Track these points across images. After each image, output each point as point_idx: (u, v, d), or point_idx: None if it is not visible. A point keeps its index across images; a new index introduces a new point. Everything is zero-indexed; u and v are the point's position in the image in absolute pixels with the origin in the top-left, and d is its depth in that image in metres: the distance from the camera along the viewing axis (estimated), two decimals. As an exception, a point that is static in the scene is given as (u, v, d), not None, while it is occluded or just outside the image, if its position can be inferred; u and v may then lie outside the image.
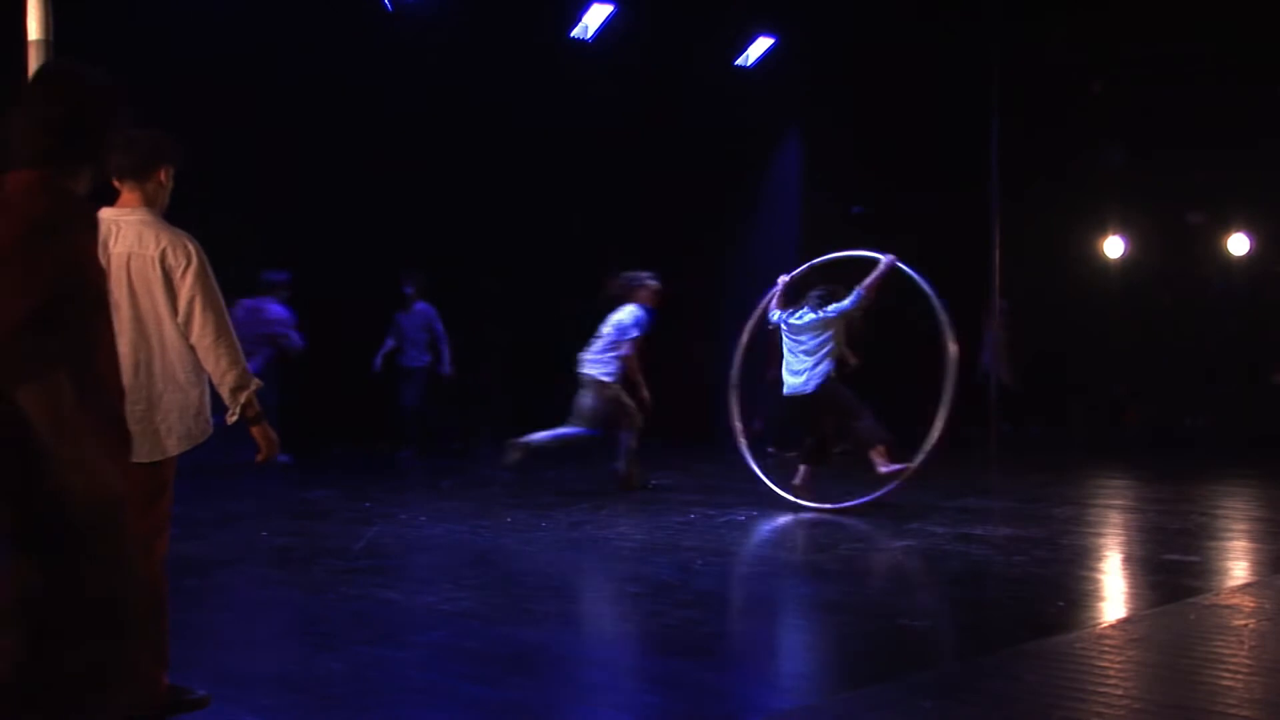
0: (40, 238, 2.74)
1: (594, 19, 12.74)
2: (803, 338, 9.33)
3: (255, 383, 4.10)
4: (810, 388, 9.24)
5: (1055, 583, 6.73)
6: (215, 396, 4.15)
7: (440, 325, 12.20)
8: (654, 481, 10.58)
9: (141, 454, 3.88)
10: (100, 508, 2.75)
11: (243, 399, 4.08)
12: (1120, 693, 4.58)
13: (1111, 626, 5.71)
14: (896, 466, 9.01)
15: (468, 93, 12.41)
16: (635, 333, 10.16)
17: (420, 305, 12.20)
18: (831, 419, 9.36)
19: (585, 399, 10.13)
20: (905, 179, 14.76)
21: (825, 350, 9.27)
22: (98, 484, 2.75)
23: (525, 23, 12.33)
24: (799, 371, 9.29)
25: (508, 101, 12.66)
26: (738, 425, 9.83)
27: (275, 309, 11.45)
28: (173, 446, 4.08)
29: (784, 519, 8.83)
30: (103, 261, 3.69)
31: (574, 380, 10.22)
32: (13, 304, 2.65)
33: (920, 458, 8.95)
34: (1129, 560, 7.86)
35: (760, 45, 13.98)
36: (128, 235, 4.13)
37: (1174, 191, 15.12)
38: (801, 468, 9.39)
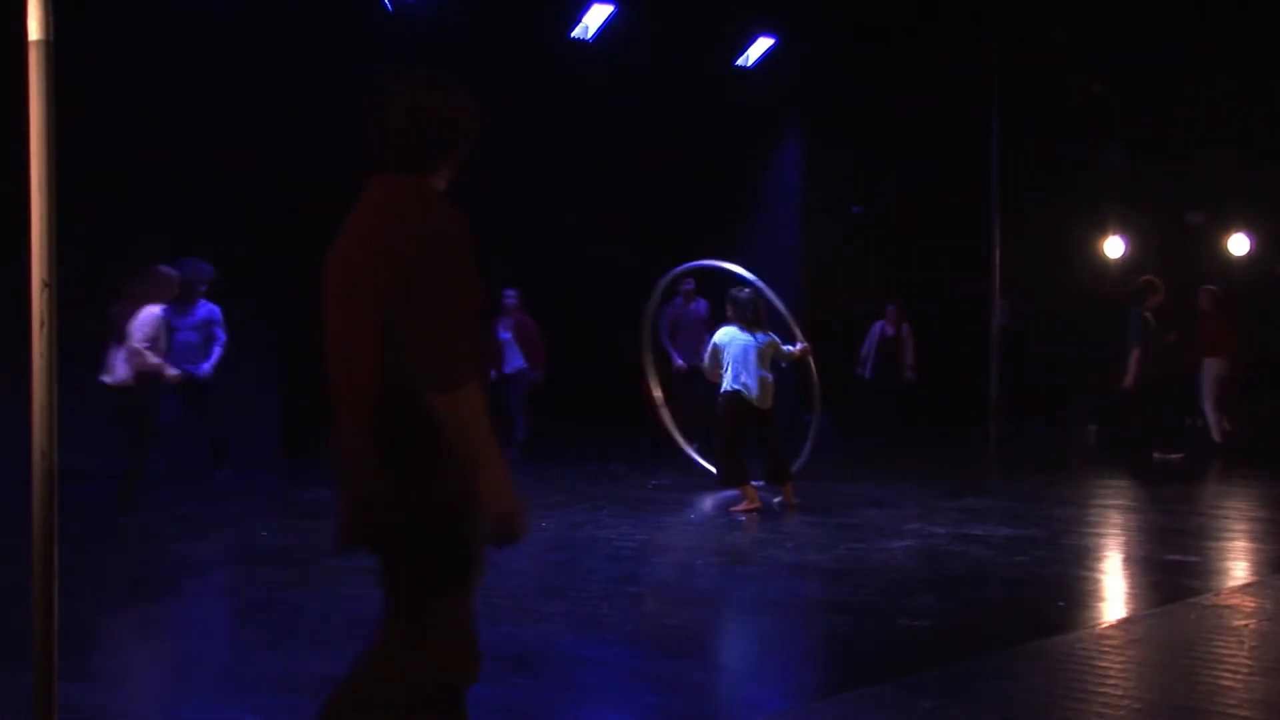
0: (457, 246, 2.81)
1: (594, 19, 12.74)
2: (756, 355, 9.34)
3: None
4: (768, 404, 9.33)
5: (1055, 583, 6.73)
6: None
7: (223, 331, 10.26)
8: (654, 482, 10.58)
9: None
10: (515, 516, 2.76)
11: None
12: (1120, 693, 4.58)
13: (1111, 626, 5.71)
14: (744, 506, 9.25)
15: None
16: None
17: (203, 305, 10.28)
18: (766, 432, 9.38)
19: None
20: (905, 179, 14.76)
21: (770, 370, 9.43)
22: (511, 493, 2.74)
23: (525, 23, 12.32)
24: (759, 381, 9.30)
25: (508, 102, 12.64)
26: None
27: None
28: None
29: (783, 519, 8.83)
30: None
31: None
32: (443, 312, 2.70)
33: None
34: (1129, 560, 7.86)
35: (760, 45, 13.98)
36: None
37: (1174, 191, 15.11)
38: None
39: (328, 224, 11.33)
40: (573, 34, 12.80)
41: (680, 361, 13.04)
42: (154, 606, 6.33)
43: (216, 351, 10.17)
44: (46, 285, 3.22)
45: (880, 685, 4.63)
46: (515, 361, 12.78)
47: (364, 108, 2.98)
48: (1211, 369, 13.52)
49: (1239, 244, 15.67)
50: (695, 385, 12.93)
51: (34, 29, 3.20)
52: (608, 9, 12.63)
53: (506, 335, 12.82)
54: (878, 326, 14.53)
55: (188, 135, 11.11)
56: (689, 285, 13.11)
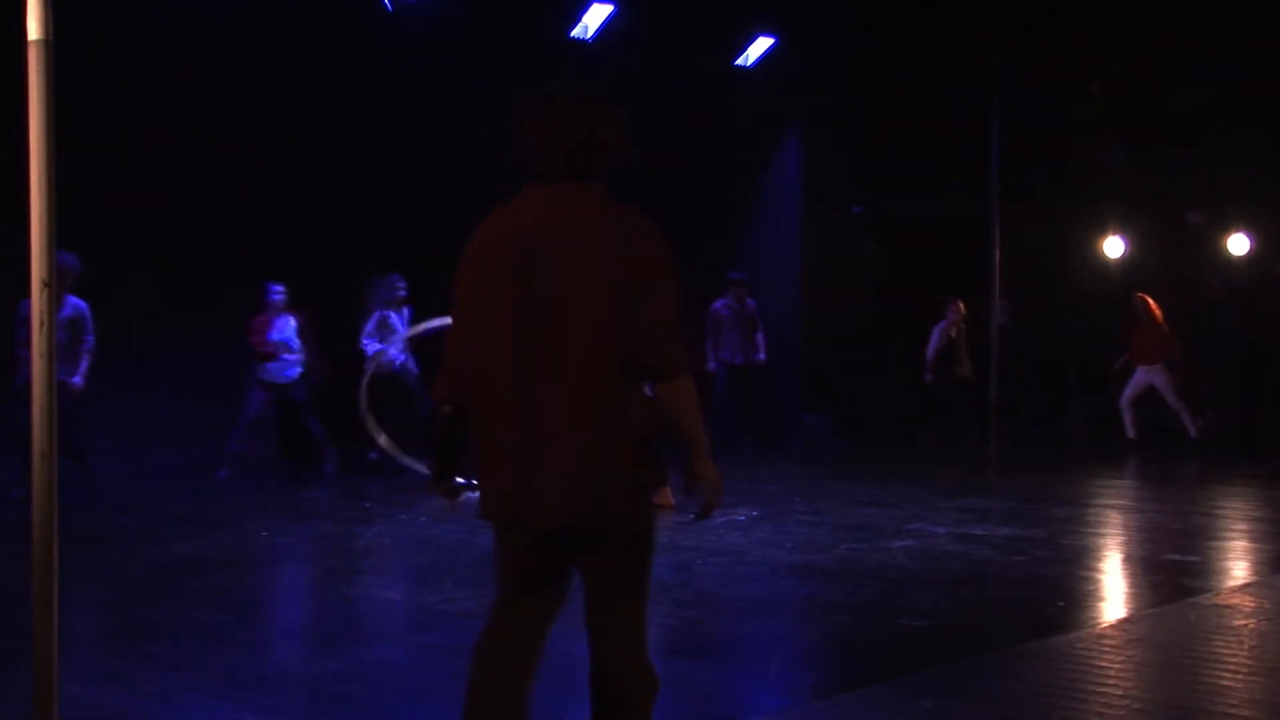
0: (669, 252, 3.16)
1: (594, 19, 12.74)
2: None
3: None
4: None
5: (1055, 583, 6.73)
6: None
7: (92, 333, 9.30)
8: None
9: None
10: (720, 491, 3.17)
11: None
12: (1120, 693, 4.58)
13: (1111, 626, 5.71)
14: None
15: (468, 93, 12.41)
16: None
17: (70, 301, 9.20)
18: None
19: None
20: (905, 179, 14.75)
21: None
22: (716, 471, 3.15)
23: (525, 23, 12.32)
24: None
25: (508, 102, 12.64)
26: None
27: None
28: None
29: (784, 519, 8.82)
30: None
31: None
32: (670, 309, 3.07)
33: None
34: (1129, 560, 7.86)
35: (760, 45, 13.98)
36: None
37: (1174, 191, 15.11)
38: None
39: (329, 222, 11.38)
40: (573, 34, 12.80)
41: (713, 364, 13.46)
42: (154, 606, 6.33)
43: (85, 361, 9.22)
44: (46, 285, 3.22)
45: (880, 685, 4.63)
46: (293, 369, 10.93)
47: (536, 119, 3.20)
48: (1152, 374, 13.65)
49: (1239, 244, 15.67)
50: (737, 383, 13.59)
51: (34, 29, 3.20)
52: (608, 9, 12.62)
53: (283, 337, 10.94)
54: (940, 327, 13.90)
55: (187, 135, 11.11)
56: (738, 287, 13.57)
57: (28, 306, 3.31)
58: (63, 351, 9.02)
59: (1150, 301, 13.69)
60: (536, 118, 3.19)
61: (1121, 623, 5.81)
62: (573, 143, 3.13)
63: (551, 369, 3.01)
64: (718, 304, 13.65)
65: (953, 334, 13.96)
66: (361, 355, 10.81)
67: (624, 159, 3.24)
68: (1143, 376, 13.63)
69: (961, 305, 13.99)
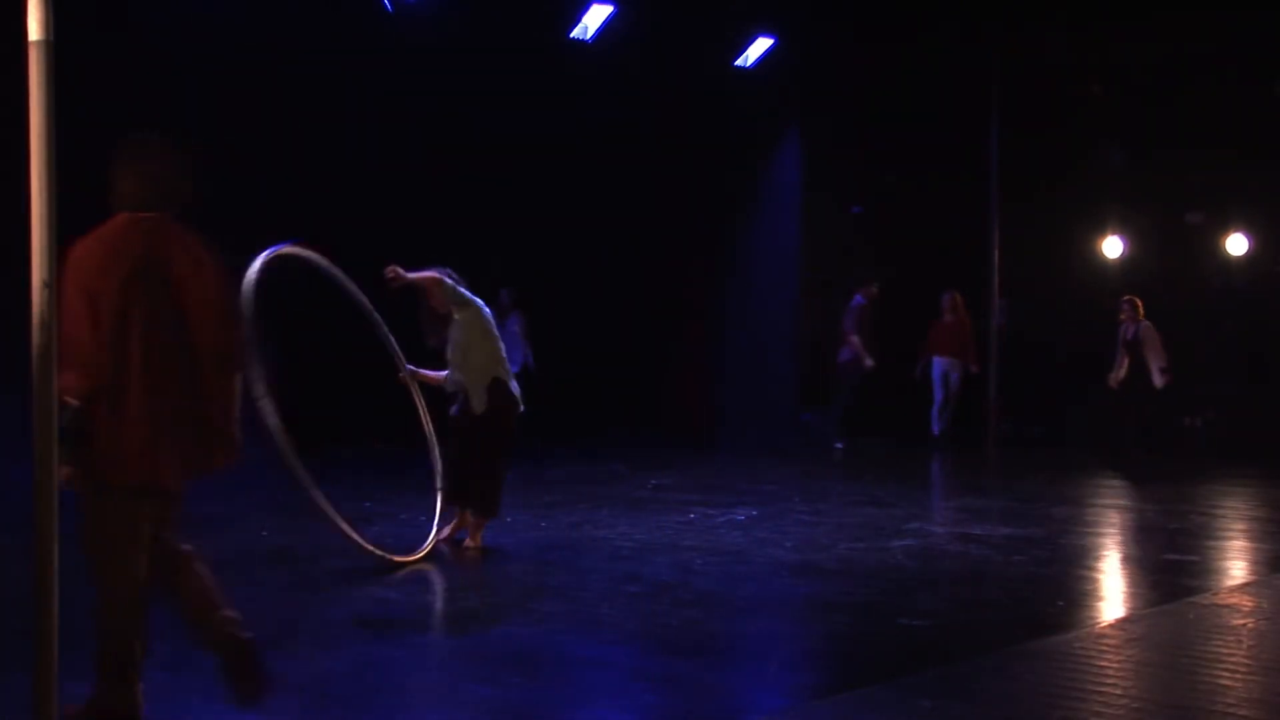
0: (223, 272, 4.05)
1: (594, 19, 12.74)
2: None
3: None
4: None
5: (1055, 582, 6.73)
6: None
7: None
8: (654, 481, 10.58)
9: None
10: None
11: None
12: (1119, 692, 4.59)
13: (1111, 626, 5.72)
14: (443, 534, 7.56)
15: (468, 93, 12.42)
16: None
17: None
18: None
19: None
20: (905, 179, 14.76)
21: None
22: None
23: (525, 23, 12.33)
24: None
25: (507, 102, 12.67)
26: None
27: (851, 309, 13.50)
28: None
29: (783, 519, 8.82)
30: None
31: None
32: (237, 321, 4.13)
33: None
34: (1128, 560, 7.87)
35: (760, 45, 13.99)
36: None
37: (1174, 191, 15.11)
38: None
39: (325, 223, 11.30)
40: (572, 34, 12.80)
41: (870, 361, 13.35)
42: (154, 606, 6.32)
43: None
44: (46, 285, 3.23)
45: (880, 685, 4.64)
46: None
47: (122, 160, 4.00)
48: (941, 366, 13.91)
49: (1238, 244, 15.67)
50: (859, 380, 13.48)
51: (34, 29, 3.20)
52: (607, 9, 12.63)
53: None
54: (1119, 330, 12.91)
55: (188, 135, 11.11)
56: (875, 287, 13.54)
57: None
58: None
59: (960, 300, 13.86)
60: (122, 160, 3.99)
61: (1121, 622, 5.81)
62: (148, 179, 3.95)
63: (174, 363, 3.85)
64: (860, 299, 13.51)
65: (1127, 336, 12.69)
66: None
67: (187, 195, 4.07)
68: (942, 369, 13.82)
69: (1138, 302, 12.77)
